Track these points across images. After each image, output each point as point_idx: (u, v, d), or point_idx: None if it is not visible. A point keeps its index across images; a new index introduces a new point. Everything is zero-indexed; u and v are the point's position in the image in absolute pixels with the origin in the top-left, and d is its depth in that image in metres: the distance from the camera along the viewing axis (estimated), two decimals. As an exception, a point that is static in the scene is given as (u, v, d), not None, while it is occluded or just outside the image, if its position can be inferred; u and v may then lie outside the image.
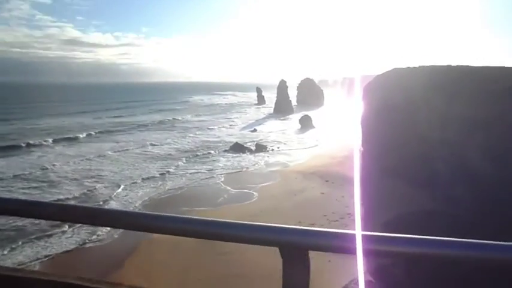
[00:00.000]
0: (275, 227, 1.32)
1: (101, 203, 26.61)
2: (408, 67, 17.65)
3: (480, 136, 13.28)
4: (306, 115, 75.02)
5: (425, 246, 1.20)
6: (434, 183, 15.03)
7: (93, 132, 57.71)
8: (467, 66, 16.88)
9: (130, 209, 25.55)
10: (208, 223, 1.42)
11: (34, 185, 30.70)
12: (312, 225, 22.14)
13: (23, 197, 26.82)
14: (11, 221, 20.98)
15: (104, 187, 29.99)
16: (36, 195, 28.12)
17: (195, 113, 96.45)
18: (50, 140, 49.50)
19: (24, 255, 18.69)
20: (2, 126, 59.76)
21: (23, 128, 60.72)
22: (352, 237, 1.22)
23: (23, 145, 45.78)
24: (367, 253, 1.20)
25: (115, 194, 28.39)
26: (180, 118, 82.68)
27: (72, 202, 26.75)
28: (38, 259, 18.41)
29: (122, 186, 29.99)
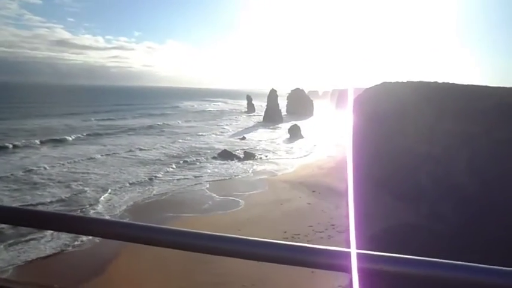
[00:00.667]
0: (268, 242, 1.27)
1: (87, 206, 26.22)
2: (397, 81, 17.88)
3: (466, 152, 13.45)
4: (295, 125, 75.32)
5: (426, 267, 1.16)
6: (419, 197, 15.11)
7: (81, 135, 57.01)
8: (454, 83, 17.18)
9: (116, 213, 25.24)
10: (203, 236, 1.35)
11: (14, 187, 30.04)
12: (297, 235, 22.11)
13: (3, 199, 26.33)
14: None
15: (91, 190, 29.53)
16: (16, 197, 27.53)
17: (185, 118, 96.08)
18: (37, 141, 48.72)
19: (1, 259, 18.17)
20: None
21: (9, 128, 59.62)
22: (347, 255, 1.18)
23: (10, 146, 45.00)
24: (362, 272, 1.17)
25: (102, 197, 27.96)
26: (170, 123, 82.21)
27: (58, 205, 26.28)
28: (13, 264, 17.91)
29: (109, 190, 29.56)
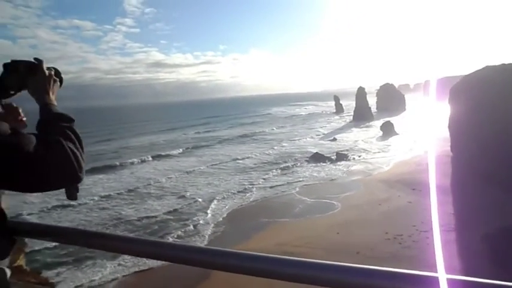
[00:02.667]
0: (334, 265, 1.13)
1: (202, 214, 27.99)
2: (503, 64, 16.26)
3: None
4: (388, 121, 72.07)
5: None
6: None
7: (182, 149, 60.97)
8: None
9: (220, 220, 26.67)
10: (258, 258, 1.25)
11: (137, 198, 33.36)
12: (400, 236, 21.19)
13: (139, 208, 29.05)
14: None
15: (201, 200, 31.52)
16: (145, 206, 30.65)
17: (276, 124, 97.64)
18: (150, 157, 53.54)
19: (99, 275, 19.66)
20: (105, 146, 65.93)
21: (120, 147, 66.48)
22: (434, 281, 0.99)
23: (128, 162, 50.16)
24: None
25: (212, 206, 29.72)
26: (262, 130, 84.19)
27: (171, 215, 28.39)
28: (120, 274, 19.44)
29: (215, 199, 31.34)
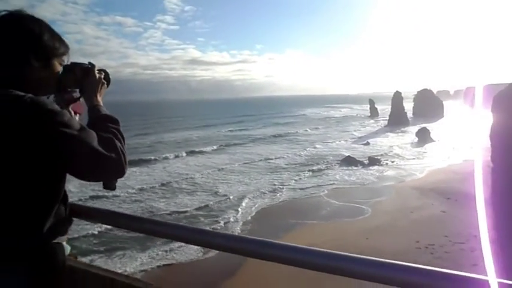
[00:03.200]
0: (389, 263, 1.15)
1: (232, 211, 28.22)
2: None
3: None
4: (424, 128, 70.03)
5: None
6: None
7: (216, 146, 61.47)
8: None
9: (249, 218, 26.82)
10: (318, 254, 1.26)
11: (168, 193, 33.96)
12: (432, 246, 20.58)
13: (170, 203, 29.64)
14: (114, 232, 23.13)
15: (233, 197, 31.68)
16: (177, 201, 31.20)
17: (311, 126, 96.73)
18: (184, 153, 54.38)
19: (130, 265, 20.06)
20: (141, 140, 67.07)
21: (155, 141, 67.87)
22: (484, 284, 0.94)
23: (162, 157, 51.00)
24: None
25: (242, 204, 29.86)
26: (295, 131, 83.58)
27: (203, 211, 28.80)
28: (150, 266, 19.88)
29: (246, 198, 31.48)
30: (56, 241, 1.48)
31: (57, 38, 1.52)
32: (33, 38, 1.42)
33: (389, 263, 1.16)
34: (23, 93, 1.31)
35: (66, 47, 1.57)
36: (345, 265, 1.20)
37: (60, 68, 1.54)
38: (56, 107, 1.35)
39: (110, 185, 1.54)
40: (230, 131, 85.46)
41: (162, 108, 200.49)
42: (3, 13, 1.41)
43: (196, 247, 21.22)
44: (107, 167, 1.39)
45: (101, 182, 1.52)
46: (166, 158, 50.61)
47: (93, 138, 1.36)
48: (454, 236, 21.48)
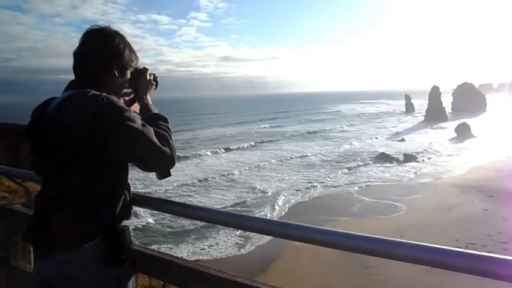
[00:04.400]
0: (441, 249, 1.16)
1: (269, 207, 28.17)
2: None
3: None
4: (464, 123, 67.14)
5: None
6: None
7: (250, 143, 61.25)
8: None
9: (282, 215, 26.60)
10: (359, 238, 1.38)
11: (212, 188, 34.50)
12: (473, 245, 19.58)
13: (208, 198, 30.38)
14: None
15: (270, 194, 31.65)
16: (218, 196, 31.66)
17: (347, 122, 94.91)
18: (222, 150, 54.86)
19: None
20: (178, 136, 66.69)
21: (192, 137, 68.55)
22: None
23: (202, 153, 51.73)
24: None
25: (279, 200, 29.71)
26: (330, 128, 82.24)
27: (240, 206, 28.88)
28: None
29: (284, 193, 31.47)
30: (122, 224, 1.71)
31: (133, 51, 1.80)
32: (118, 53, 1.71)
33: (425, 246, 1.20)
34: (99, 92, 1.54)
35: (137, 58, 1.84)
36: (392, 249, 1.27)
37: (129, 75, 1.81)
38: (124, 105, 1.59)
39: (163, 175, 1.72)
40: (265, 127, 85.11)
41: (196, 105, 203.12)
42: (94, 27, 1.70)
43: (230, 243, 21.62)
44: (163, 159, 1.58)
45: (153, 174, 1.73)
46: (202, 155, 50.93)
47: (152, 133, 1.56)
48: (496, 235, 20.38)
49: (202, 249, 21.32)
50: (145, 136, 1.53)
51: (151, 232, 23.49)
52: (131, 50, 1.78)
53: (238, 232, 22.72)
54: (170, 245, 21.73)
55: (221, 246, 21.51)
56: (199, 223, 26.99)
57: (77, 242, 1.53)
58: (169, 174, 1.71)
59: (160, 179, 1.74)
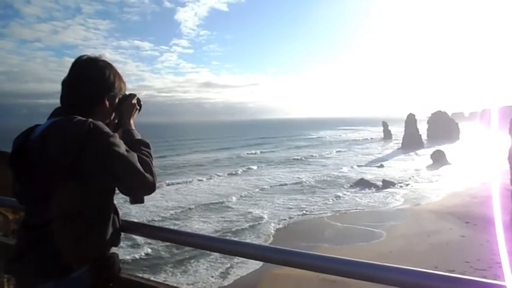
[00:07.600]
0: (408, 270, 1.21)
1: (266, 234, 27.99)
2: None
3: None
4: (439, 150, 68.83)
5: None
6: None
7: (244, 168, 60.98)
8: None
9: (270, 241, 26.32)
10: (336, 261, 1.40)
11: (210, 213, 34.09)
12: (452, 272, 19.49)
13: (219, 223, 30.31)
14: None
15: (267, 219, 31.54)
16: (220, 221, 31.28)
17: (323, 149, 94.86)
18: (221, 174, 54.99)
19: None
20: (166, 161, 67.05)
21: (175, 164, 66.87)
22: None
23: (204, 178, 51.63)
24: None
25: (274, 227, 29.75)
26: (311, 154, 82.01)
27: (245, 232, 28.68)
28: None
29: (274, 220, 31.39)
30: (111, 251, 1.67)
31: (122, 80, 1.80)
32: (110, 83, 1.71)
33: (411, 270, 1.21)
34: (85, 118, 1.51)
35: (125, 85, 1.83)
36: (373, 272, 1.29)
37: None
38: (110, 131, 1.55)
39: (137, 199, 1.70)
40: (250, 153, 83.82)
41: (178, 130, 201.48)
42: (85, 57, 1.69)
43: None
44: (144, 185, 1.56)
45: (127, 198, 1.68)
46: (186, 182, 49.50)
47: (136, 159, 1.55)
48: (475, 262, 20.55)
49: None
50: (130, 162, 1.52)
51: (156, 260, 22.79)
52: (120, 79, 1.78)
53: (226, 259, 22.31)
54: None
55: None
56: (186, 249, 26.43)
57: (63, 272, 1.48)
58: (142, 201, 1.70)
59: (133, 203, 1.71)
